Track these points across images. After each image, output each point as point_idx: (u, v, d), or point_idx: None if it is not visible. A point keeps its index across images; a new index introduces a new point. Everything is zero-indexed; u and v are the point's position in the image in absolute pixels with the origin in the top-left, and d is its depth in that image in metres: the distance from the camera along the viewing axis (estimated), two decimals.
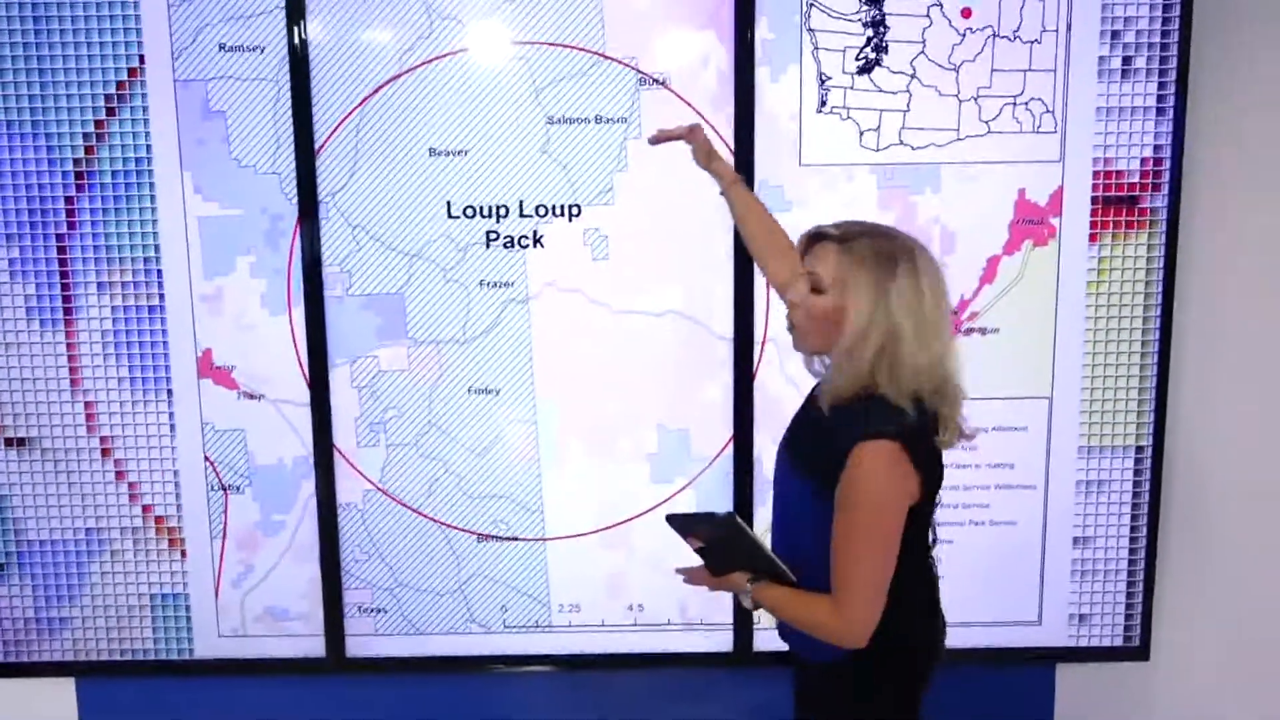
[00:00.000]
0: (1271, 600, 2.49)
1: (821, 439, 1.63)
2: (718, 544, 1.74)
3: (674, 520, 1.75)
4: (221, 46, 2.33)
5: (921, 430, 1.59)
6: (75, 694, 2.64)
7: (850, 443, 1.54)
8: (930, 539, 1.73)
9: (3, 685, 2.60)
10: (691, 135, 2.04)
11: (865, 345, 1.56)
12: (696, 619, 2.57)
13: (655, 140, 2.07)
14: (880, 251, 1.59)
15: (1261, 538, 2.49)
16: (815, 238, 1.68)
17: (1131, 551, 2.55)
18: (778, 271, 1.98)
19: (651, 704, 2.66)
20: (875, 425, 1.54)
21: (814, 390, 1.76)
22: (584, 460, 2.50)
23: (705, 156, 2.05)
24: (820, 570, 1.62)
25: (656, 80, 2.35)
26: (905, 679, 1.73)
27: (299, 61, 2.32)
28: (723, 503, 2.49)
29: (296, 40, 2.31)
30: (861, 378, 1.58)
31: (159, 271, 2.41)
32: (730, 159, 2.36)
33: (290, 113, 2.34)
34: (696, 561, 1.79)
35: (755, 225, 2.04)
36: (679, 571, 1.83)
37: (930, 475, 1.62)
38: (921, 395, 1.59)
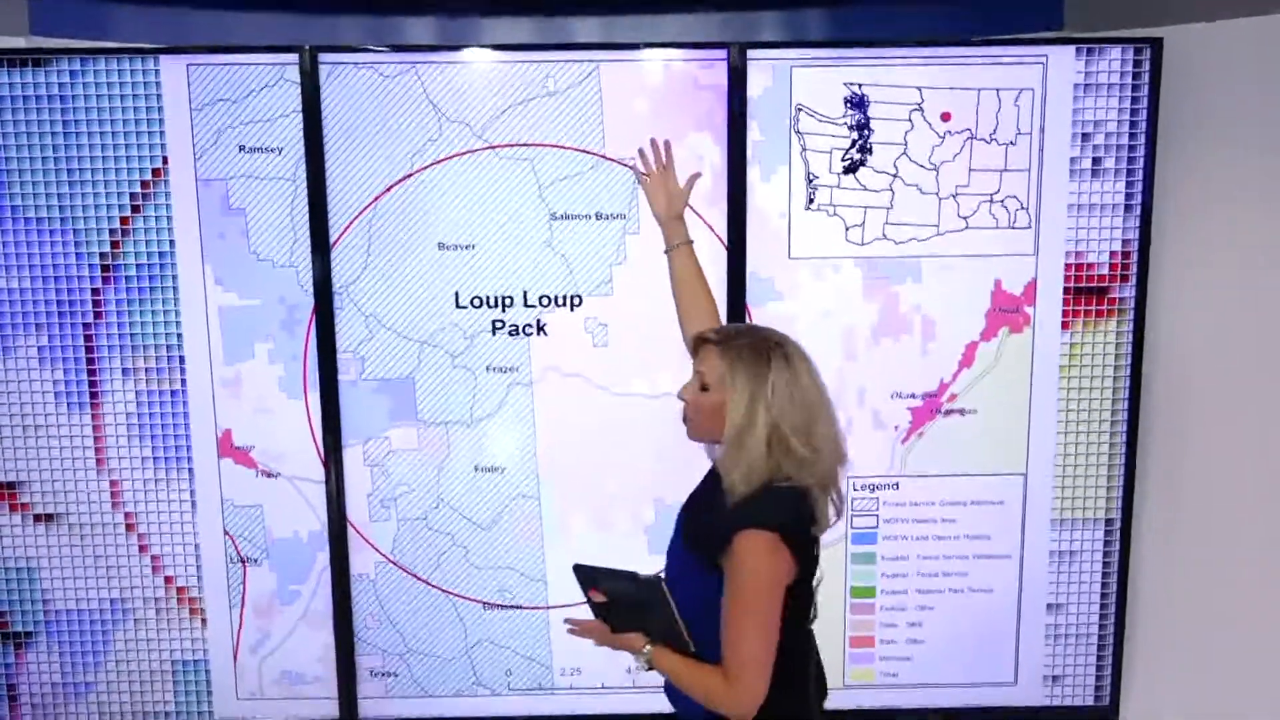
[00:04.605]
0: (1234, 662, 2.65)
1: (712, 519, 1.74)
2: (625, 603, 1.74)
3: (581, 571, 1.78)
4: (241, 148, 2.46)
5: (798, 521, 1.71)
6: None
7: (733, 529, 1.67)
8: (811, 614, 1.85)
9: None
10: (667, 171, 2.25)
11: (751, 435, 1.68)
12: None
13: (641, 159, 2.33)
14: (754, 347, 1.72)
15: (1224, 605, 2.64)
16: (700, 341, 1.82)
17: (1102, 617, 2.71)
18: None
19: None
20: (757, 516, 1.67)
21: (714, 468, 1.85)
22: (585, 533, 2.64)
23: (668, 208, 2.21)
24: (704, 636, 1.72)
25: None
26: None
27: (315, 161, 2.45)
28: None
29: (313, 142, 2.44)
30: (757, 470, 1.69)
31: (181, 358, 2.54)
32: (724, 253, 2.50)
33: (307, 209, 2.47)
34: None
35: (688, 288, 2.18)
36: (567, 622, 1.91)
37: (805, 558, 1.74)
38: (824, 478, 1.71)
